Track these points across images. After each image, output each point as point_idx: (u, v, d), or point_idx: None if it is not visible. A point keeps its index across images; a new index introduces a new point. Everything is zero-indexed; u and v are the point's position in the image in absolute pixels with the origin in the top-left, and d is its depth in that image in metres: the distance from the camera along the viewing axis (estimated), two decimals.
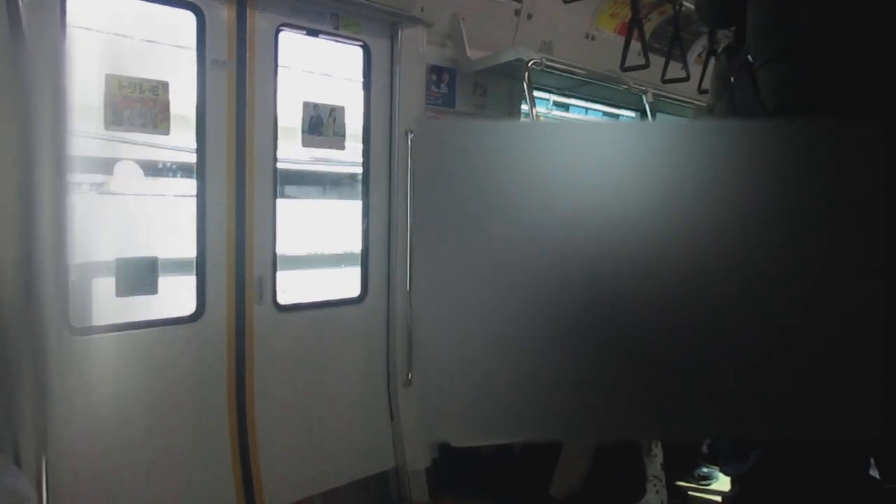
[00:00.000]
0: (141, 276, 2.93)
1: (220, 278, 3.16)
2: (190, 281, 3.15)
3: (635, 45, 3.91)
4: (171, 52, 3.16)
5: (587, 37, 4.74)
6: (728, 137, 0.85)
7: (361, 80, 3.74)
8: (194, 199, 3.11)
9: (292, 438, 3.43)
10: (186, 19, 3.04)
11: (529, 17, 4.25)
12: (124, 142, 3.00)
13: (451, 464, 3.90)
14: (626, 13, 4.20)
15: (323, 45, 3.62)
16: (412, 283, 3.62)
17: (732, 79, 1.40)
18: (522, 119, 4.38)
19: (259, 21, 3.25)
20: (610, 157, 0.84)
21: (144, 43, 3.06)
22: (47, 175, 2.50)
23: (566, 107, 5.48)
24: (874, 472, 1.34)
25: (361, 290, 3.80)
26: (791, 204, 0.83)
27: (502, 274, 0.84)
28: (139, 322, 3.00)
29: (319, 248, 5.15)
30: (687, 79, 4.55)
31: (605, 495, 3.41)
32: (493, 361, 0.85)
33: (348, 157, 3.85)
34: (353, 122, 3.71)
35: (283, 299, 3.44)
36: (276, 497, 3.33)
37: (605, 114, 5.60)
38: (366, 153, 3.77)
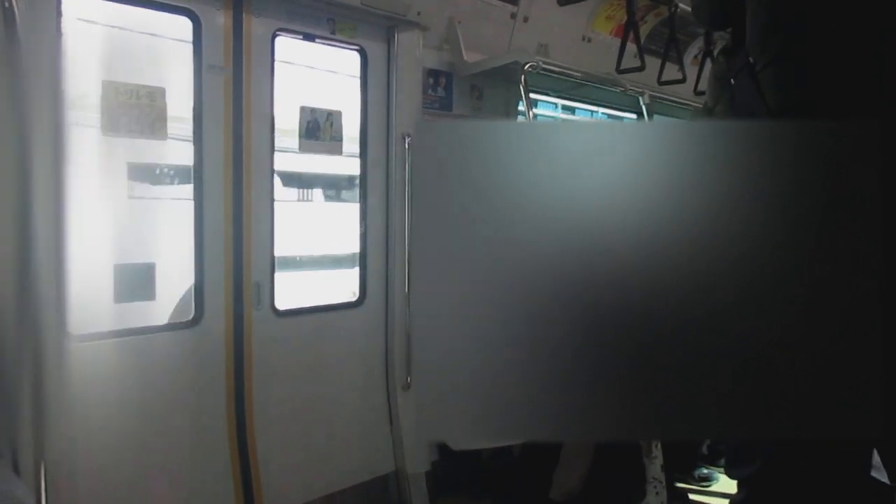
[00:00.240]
0: (139, 282, 2.93)
1: (217, 283, 3.16)
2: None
3: (631, 48, 3.91)
4: (170, 56, 3.16)
5: (583, 39, 4.75)
6: (726, 137, 0.85)
7: (358, 83, 3.75)
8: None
9: (291, 443, 3.42)
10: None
11: (525, 19, 4.26)
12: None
13: (451, 467, 3.89)
14: (622, 15, 4.21)
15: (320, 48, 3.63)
16: (411, 286, 3.62)
17: (732, 80, 1.40)
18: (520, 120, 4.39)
19: (255, 26, 3.25)
20: (608, 157, 0.84)
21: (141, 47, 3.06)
22: (45, 177, 2.50)
23: (573, 110, 5.51)
24: (879, 473, 1.34)
25: (360, 294, 3.80)
26: (790, 204, 0.83)
27: (501, 276, 0.84)
28: (137, 328, 2.99)
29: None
30: (683, 80, 4.56)
31: (605, 497, 3.41)
32: (492, 363, 0.85)
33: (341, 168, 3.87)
34: (351, 126, 3.71)
35: (281, 304, 3.43)
36: (275, 501, 3.32)
37: (609, 116, 5.63)
38: (363, 157, 3.78)
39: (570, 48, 4.62)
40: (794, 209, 0.83)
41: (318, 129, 3.53)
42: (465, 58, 3.99)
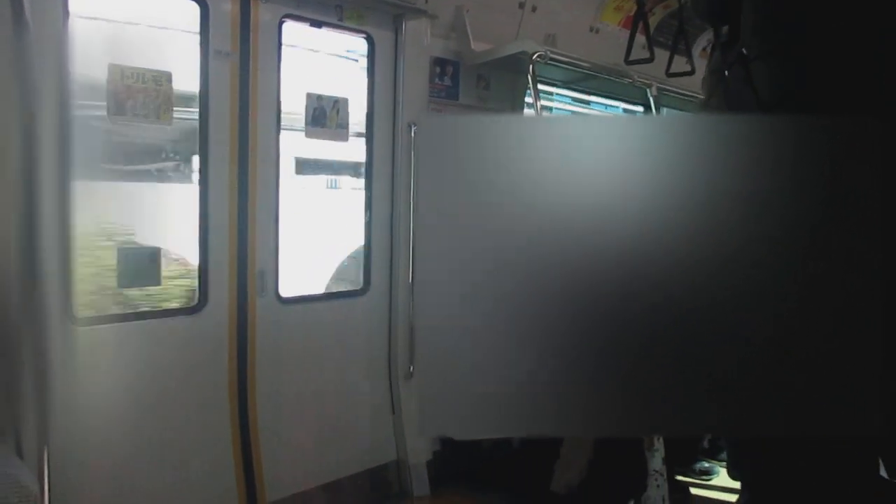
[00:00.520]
0: (142, 266, 2.94)
1: (222, 269, 3.16)
2: None
3: (640, 39, 3.89)
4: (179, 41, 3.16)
5: (591, 30, 4.73)
6: (733, 131, 0.85)
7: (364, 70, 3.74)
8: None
9: (293, 430, 3.44)
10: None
11: (534, 9, 4.23)
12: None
13: (452, 457, 3.90)
14: (631, 6, 4.19)
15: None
16: (414, 275, 3.62)
17: (727, 72, 1.41)
18: (526, 112, 4.37)
19: (263, 12, 3.24)
20: (614, 150, 0.84)
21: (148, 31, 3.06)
22: (51, 165, 2.50)
23: (587, 103, 5.48)
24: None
25: (364, 283, 3.80)
26: (791, 200, 0.83)
27: (505, 267, 0.84)
28: (141, 313, 3.00)
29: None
30: (692, 73, 4.53)
31: (606, 490, 3.41)
32: (495, 355, 0.85)
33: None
34: (356, 114, 3.71)
35: (285, 291, 3.44)
36: (276, 488, 3.33)
37: (624, 110, 5.59)
38: (369, 145, 3.77)
39: (578, 39, 4.59)
40: (795, 205, 0.83)
41: (325, 117, 3.52)
42: (473, 47, 3.97)
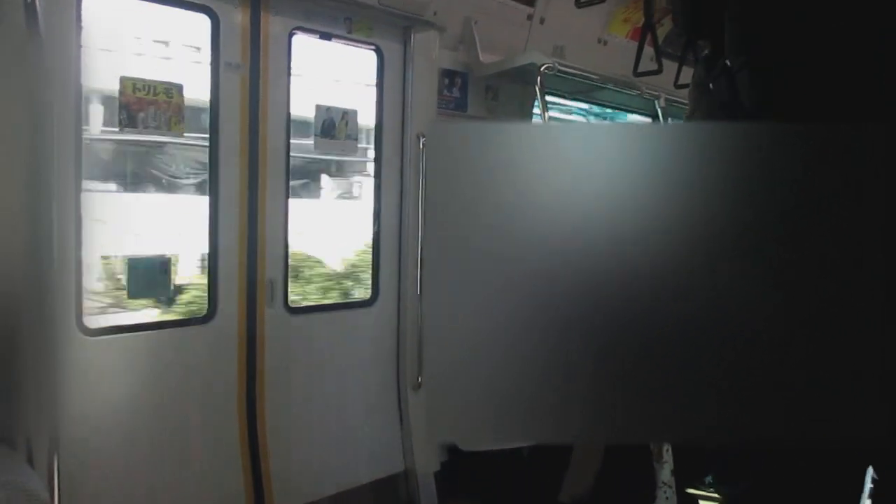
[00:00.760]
0: (152, 276, 2.95)
1: (231, 280, 3.17)
2: None
3: (648, 51, 3.89)
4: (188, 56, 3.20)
5: (599, 41, 4.73)
6: (737, 140, 0.85)
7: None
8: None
9: (302, 440, 3.44)
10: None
11: (542, 21, 4.25)
12: None
13: (460, 468, 3.89)
14: (639, 18, 4.19)
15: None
16: (423, 286, 3.62)
17: (711, 85, 1.43)
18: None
19: (273, 25, 3.27)
20: (621, 158, 0.84)
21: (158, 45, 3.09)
22: (60, 173, 2.52)
23: (603, 116, 5.49)
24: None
25: (372, 293, 3.80)
26: (794, 205, 0.83)
27: (513, 278, 0.84)
28: (150, 323, 3.02)
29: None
30: None
31: (616, 501, 3.40)
32: (503, 365, 0.85)
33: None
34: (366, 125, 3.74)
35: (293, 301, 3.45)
36: (285, 498, 3.33)
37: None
38: (377, 156, 3.78)
39: (586, 50, 4.60)
40: (798, 210, 0.83)
41: (334, 128, 3.54)
42: (481, 58, 3.98)
